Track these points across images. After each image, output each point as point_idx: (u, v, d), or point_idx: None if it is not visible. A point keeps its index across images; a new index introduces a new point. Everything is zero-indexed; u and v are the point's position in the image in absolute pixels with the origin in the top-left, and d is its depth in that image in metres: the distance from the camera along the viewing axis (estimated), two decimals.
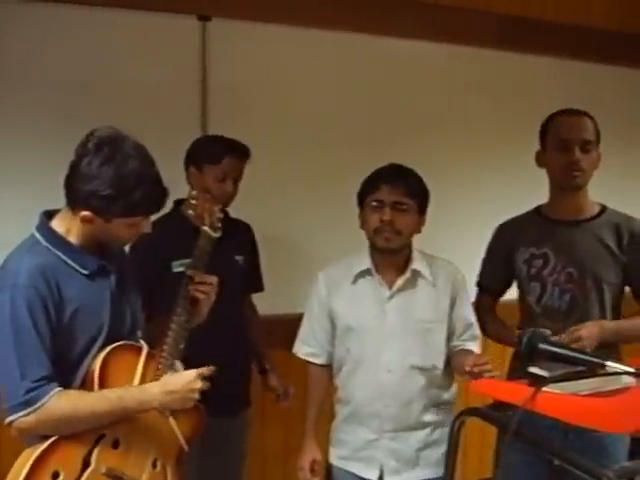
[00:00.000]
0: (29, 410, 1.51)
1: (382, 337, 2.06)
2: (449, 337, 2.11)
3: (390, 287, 2.09)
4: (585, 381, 1.51)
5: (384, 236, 2.03)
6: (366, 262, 2.11)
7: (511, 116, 3.26)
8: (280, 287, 2.63)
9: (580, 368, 1.53)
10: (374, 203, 2.05)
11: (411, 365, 2.05)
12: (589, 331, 1.96)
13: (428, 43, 3.10)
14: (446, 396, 2.14)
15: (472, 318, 2.17)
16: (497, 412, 1.59)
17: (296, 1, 2.82)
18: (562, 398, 1.46)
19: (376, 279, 2.09)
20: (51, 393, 1.52)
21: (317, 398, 2.18)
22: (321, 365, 2.18)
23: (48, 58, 2.51)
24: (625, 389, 1.46)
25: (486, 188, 3.25)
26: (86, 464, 1.57)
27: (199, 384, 1.66)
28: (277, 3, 2.78)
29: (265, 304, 2.63)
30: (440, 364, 2.09)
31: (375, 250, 2.10)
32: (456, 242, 3.09)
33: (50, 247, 1.60)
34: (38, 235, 1.62)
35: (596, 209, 2.20)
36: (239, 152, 2.29)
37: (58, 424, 1.54)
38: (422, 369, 2.07)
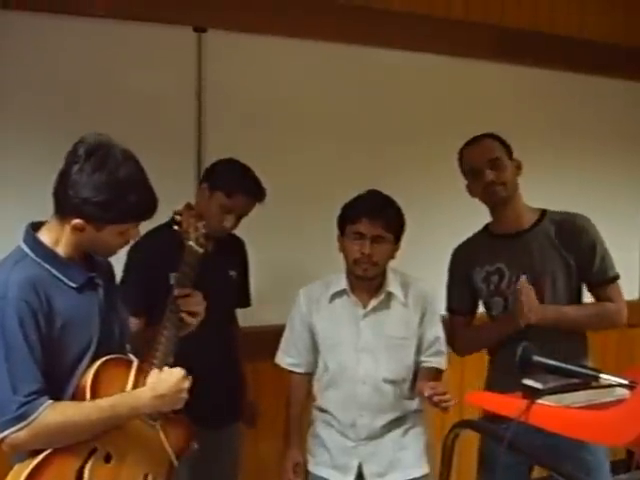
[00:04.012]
0: (22, 425, 1.48)
1: (357, 352, 2.19)
2: (417, 351, 2.23)
3: (364, 306, 2.21)
4: (579, 393, 1.51)
5: (362, 267, 2.15)
6: (342, 283, 2.23)
7: (507, 127, 3.27)
8: (272, 299, 2.63)
9: (574, 380, 1.53)
10: (354, 235, 2.15)
11: (383, 378, 2.18)
12: (529, 298, 2.08)
13: (425, 55, 3.14)
14: (415, 406, 2.25)
15: (439, 334, 2.26)
16: (491, 424, 1.58)
17: (292, 13, 2.84)
18: (556, 410, 1.46)
19: (351, 299, 2.22)
20: (44, 406, 1.50)
21: (298, 405, 2.30)
22: (302, 374, 2.29)
23: (45, 68, 2.51)
24: (618, 401, 1.46)
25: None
26: (79, 479, 1.55)
27: (186, 384, 1.68)
28: (273, 15, 2.79)
29: (259, 316, 2.63)
30: (409, 377, 2.23)
31: (352, 275, 2.21)
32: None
33: (38, 260, 1.57)
34: (26, 248, 1.59)
35: (536, 215, 2.30)
36: (255, 194, 2.26)
37: (52, 437, 1.52)
38: (393, 382, 2.19)
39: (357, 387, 2.18)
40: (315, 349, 2.27)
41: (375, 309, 2.20)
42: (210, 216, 2.18)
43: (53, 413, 1.51)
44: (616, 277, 2.26)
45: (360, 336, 2.19)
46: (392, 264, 2.25)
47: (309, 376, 2.29)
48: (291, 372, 2.30)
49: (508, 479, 2.15)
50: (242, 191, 2.23)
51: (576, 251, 2.22)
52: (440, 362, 2.25)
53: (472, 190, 2.33)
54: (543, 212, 2.30)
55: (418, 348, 2.23)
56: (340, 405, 2.20)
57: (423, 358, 2.24)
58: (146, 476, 1.68)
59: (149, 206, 1.63)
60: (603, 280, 2.24)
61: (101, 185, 1.53)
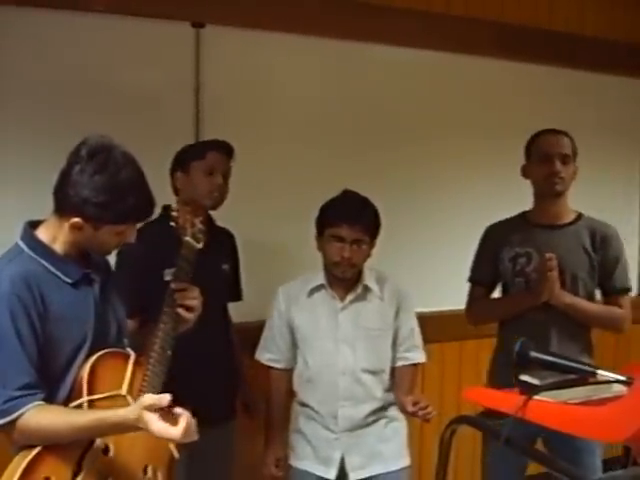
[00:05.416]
0: (5, 420, 1.50)
1: (336, 344, 2.27)
2: (394, 342, 2.32)
3: (342, 300, 2.29)
4: (576, 389, 1.51)
5: (341, 269, 2.24)
6: (320, 278, 2.31)
7: (507, 124, 3.27)
8: (271, 295, 2.62)
9: (571, 376, 1.53)
10: (334, 238, 2.22)
11: (362, 368, 2.26)
12: (553, 277, 2.27)
13: (424, 51, 3.13)
14: (394, 396, 2.32)
15: (414, 326, 2.36)
16: (488, 420, 1.58)
17: (290, 9, 2.83)
18: (553, 406, 1.46)
19: (329, 293, 2.30)
20: (30, 406, 1.50)
21: (278, 400, 2.36)
22: (281, 369, 2.36)
23: (44, 63, 2.51)
24: (616, 397, 1.46)
25: (481, 193, 3.27)
26: (77, 470, 1.55)
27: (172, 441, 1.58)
28: (271, 10, 2.79)
29: (256, 311, 2.63)
30: (387, 368, 2.32)
31: (330, 274, 2.29)
32: (458, 244, 3.10)
33: (34, 255, 1.59)
34: (22, 244, 1.62)
35: (573, 215, 2.48)
36: (223, 148, 2.30)
37: (34, 437, 1.52)
38: (372, 372, 2.28)
39: (337, 378, 2.25)
40: (294, 345, 2.33)
41: (352, 302, 2.29)
42: (199, 189, 2.23)
43: (36, 416, 1.51)
44: (630, 289, 2.48)
45: (339, 328, 2.27)
46: (369, 262, 2.31)
47: (289, 372, 2.36)
48: (271, 368, 2.36)
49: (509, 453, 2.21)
50: (211, 148, 2.29)
51: (603, 256, 2.42)
52: (416, 356, 2.34)
53: (531, 172, 2.47)
54: (579, 215, 2.49)
55: (394, 342, 2.32)
56: (321, 397, 2.27)
57: (399, 354, 2.32)
58: (146, 468, 1.68)
59: (147, 209, 1.66)
60: (620, 289, 2.45)
61: (102, 186, 1.56)
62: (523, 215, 2.54)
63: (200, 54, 2.72)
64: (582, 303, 2.39)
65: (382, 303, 2.31)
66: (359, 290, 2.29)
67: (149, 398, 1.48)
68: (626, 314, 2.46)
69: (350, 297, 2.28)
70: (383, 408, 2.31)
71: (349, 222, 2.19)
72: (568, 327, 2.38)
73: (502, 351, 2.50)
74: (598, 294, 2.50)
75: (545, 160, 2.40)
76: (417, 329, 2.37)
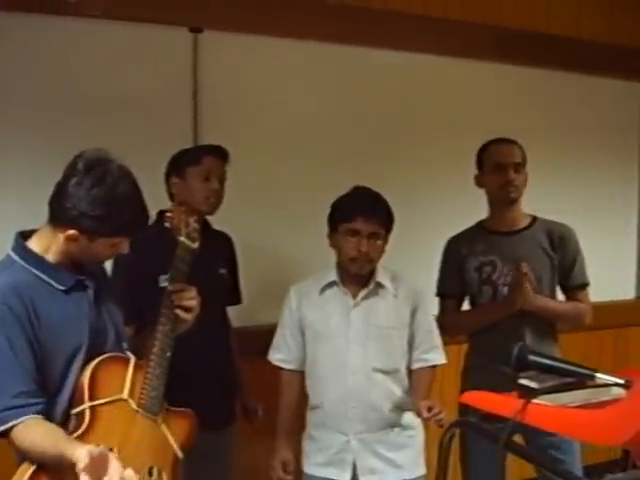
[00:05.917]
0: (1, 429, 1.50)
1: (347, 342, 2.22)
2: (410, 344, 2.28)
3: (354, 297, 2.25)
4: (575, 392, 1.51)
5: (359, 265, 2.19)
6: (333, 275, 2.28)
7: (505, 127, 3.27)
8: (272, 298, 2.63)
9: (570, 380, 1.53)
10: (350, 232, 2.18)
11: (373, 367, 2.21)
12: (529, 290, 2.37)
13: (422, 55, 3.14)
14: (410, 402, 2.25)
15: (432, 327, 2.33)
16: (487, 424, 1.58)
17: (288, 14, 2.83)
18: (552, 410, 1.46)
19: (342, 289, 2.26)
20: (23, 418, 1.50)
21: (288, 401, 2.31)
22: (291, 370, 2.31)
23: (42, 68, 2.51)
24: (615, 401, 1.46)
25: (482, 195, 3.26)
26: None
27: None
28: (269, 15, 2.79)
29: (257, 315, 2.63)
30: (402, 368, 2.26)
31: (345, 271, 2.25)
32: None
33: (25, 265, 1.60)
34: (14, 255, 1.63)
35: (528, 219, 2.56)
36: (218, 152, 2.30)
37: (26, 449, 1.52)
38: (384, 372, 2.22)
39: (348, 378, 2.19)
40: (305, 346, 2.29)
41: (365, 298, 2.24)
42: (196, 195, 2.23)
43: (24, 432, 1.51)
44: (588, 284, 2.58)
45: (351, 326, 2.22)
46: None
47: (300, 374, 2.31)
48: (281, 369, 2.32)
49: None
50: (207, 152, 2.29)
51: (562, 254, 2.51)
52: (435, 357, 2.30)
53: (485, 182, 2.53)
54: (534, 218, 2.56)
55: (412, 341, 2.27)
56: (332, 398, 2.21)
57: (417, 356, 2.28)
58: (151, 469, 1.68)
59: (142, 222, 1.69)
60: (580, 284, 2.55)
61: (99, 200, 1.57)
62: (480, 224, 2.60)
63: (198, 59, 2.73)
64: (551, 303, 2.50)
65: (396, 301, 2.26)
66: (372, 286, 2.24)
67: (84, 450, 1.41)
68: (588, 308, 2.56)
69: (362, 294, 2.23)
70: (399, 410, 2.24)
71: (364, 215, 2.15)
72: (539, 327, 2.47)
73: (475, 352, 2.58)
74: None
75: (498, 169, 2.47)
76: (436, 330, 2.33)
